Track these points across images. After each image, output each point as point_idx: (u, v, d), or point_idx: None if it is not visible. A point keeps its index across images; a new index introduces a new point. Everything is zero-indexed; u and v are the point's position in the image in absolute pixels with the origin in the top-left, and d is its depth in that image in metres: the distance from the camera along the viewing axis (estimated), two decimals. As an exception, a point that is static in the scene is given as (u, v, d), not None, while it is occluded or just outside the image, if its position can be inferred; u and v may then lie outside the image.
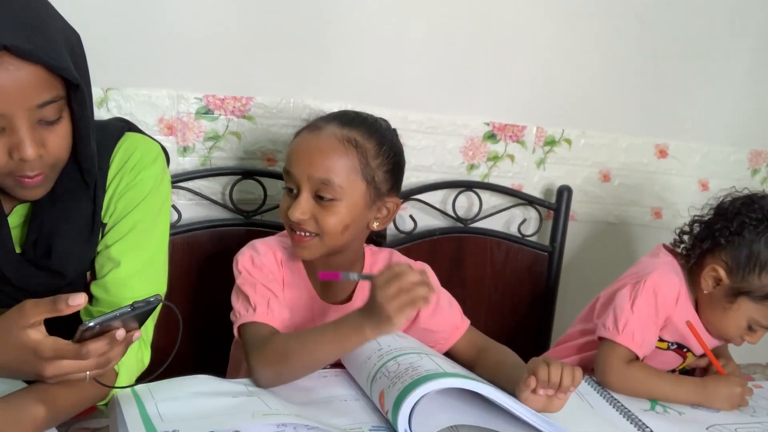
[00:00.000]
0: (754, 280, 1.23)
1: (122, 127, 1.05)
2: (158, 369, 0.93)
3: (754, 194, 1.30)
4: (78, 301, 0.78)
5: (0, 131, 0.83)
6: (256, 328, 1.10)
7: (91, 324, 0.78)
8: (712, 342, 1.32)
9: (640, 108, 1.84)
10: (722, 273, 1.25)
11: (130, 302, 0.81)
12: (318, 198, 1.12)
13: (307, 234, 1.13)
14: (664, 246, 1.39)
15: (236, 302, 1.15)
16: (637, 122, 1.85)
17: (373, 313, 0.98)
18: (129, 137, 1.04)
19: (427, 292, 0.96)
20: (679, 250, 1.37)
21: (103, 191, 1.01)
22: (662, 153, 1.89)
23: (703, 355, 1.33)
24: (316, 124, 1.17)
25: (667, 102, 1.86)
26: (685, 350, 1.34)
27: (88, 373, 0.83)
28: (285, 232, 1.23)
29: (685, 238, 1.36)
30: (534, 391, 0.98)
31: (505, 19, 1.65)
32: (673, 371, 1.36)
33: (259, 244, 1.20)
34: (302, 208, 1.11)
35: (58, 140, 0.89)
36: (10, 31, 0.79)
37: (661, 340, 1.32)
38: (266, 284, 1.14)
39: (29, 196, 0.92)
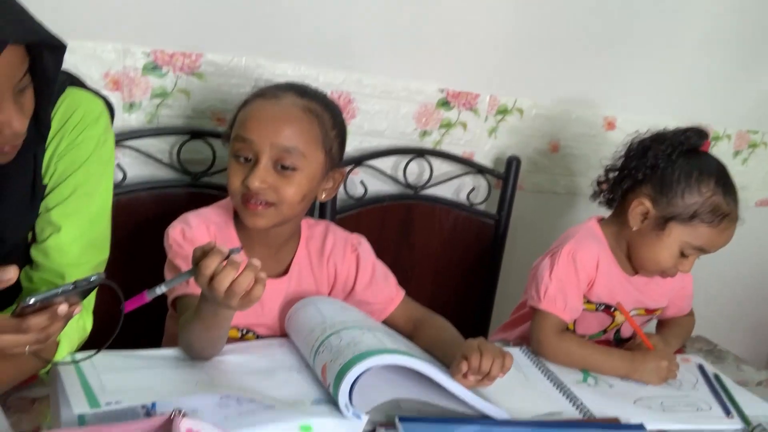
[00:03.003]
0: (679, 202, 1.28)
1: (64, 81, 1.00)
2: (97, 336, 0.92)
3: (658, 131, 1.36)
4: (7, 275, 0.76)
5: None
6: (191, 301, 1.06)
7: (32, 302, 0.78)
8: (642, 312, 1.38)
9: (591, 81, 1.86)
10: (648, 204, 1.31)
11: (69, 268, 0.80)
12: (278, 167, 1.10)
13: (264, 203, 1.10)
14: (597, 217, 1.44)
15: (169, 276, 1.13)
16: (587, 94, 1.87)
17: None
18: (71, 93, 1.00)
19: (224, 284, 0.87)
20: (599, 200, 1.43)
21: (42, 151, 0.97)
22: (610, 125, 1.92)
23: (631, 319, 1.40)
24: (273, 93, 1.14)
25: (617, 75, 1.89)
26: (612, 309, 1.40)
27: (27, 347, 0.81)
28: (221, 202, 1.21)
29: (604, 186, 1.42)
30: (465, 375, 1.01)
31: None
32: (605, 331, 1.43)
33: (191, 216, 1.16)
34: (262, 177, 1.08)
35: (30, 106, 0.86)
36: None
37: (588, 302, 1.38)
38: None
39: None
